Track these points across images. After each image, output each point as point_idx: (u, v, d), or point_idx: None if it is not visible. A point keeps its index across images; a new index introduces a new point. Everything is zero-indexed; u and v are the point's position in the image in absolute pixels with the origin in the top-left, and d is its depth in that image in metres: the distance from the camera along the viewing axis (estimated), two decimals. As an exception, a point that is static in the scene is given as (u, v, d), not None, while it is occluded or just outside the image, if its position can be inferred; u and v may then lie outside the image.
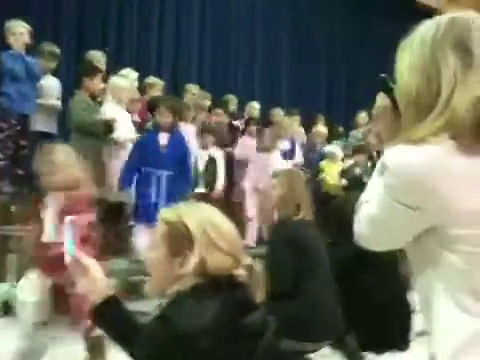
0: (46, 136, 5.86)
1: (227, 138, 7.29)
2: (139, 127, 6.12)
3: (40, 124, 5.83)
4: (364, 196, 1.26)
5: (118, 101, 5.81)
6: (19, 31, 5.49)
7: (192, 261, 1.52)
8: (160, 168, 5.16)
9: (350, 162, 7.69)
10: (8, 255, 4.79)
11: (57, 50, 6.05)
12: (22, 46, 5.53)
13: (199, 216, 1.59)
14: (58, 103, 5.98)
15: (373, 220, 1.19)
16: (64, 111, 5.89)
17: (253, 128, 7.25)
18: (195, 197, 5.73)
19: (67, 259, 1.72)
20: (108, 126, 5.47)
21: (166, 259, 1.56)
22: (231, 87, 8.87)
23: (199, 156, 6.48)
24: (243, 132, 7.45)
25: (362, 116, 8.77)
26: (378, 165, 1.24)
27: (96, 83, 5.68)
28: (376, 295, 3.03)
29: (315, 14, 10.53)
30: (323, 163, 7.90)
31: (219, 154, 6.83)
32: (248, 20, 9.75)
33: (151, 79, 7.00)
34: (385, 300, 3.04)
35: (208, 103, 7.50)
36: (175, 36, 8.84)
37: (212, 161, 6.62)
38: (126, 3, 8.26)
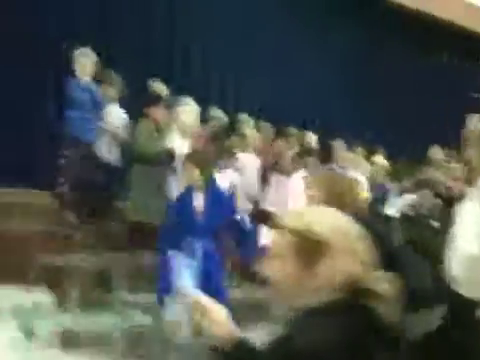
0: (109, 166, 5.76)
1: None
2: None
3: (105, 152, 5.73)
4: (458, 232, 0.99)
5: (183, 132, 5.69)
6: (86, 60, 5.43)
7: (329, 270, 1.33)
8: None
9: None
10: (68, 284, 4.63)
11: (119, 79, 5.96)
12: (88, 74, 5.46)
13: (328, 220, 1.41)
14: (121, 131, 5.87)
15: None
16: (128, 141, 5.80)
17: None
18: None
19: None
20: (170, 155, 5.34)
21: (298, 270, 1.35)
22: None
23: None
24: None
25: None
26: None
27: (160, 112, 5.56)
28: None
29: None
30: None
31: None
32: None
33: (213, 112, 6.88)
34: None
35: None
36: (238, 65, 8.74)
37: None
38: (191, 34, 8.21)
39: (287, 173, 6.20)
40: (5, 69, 6.04)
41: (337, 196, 2.80)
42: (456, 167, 8.04)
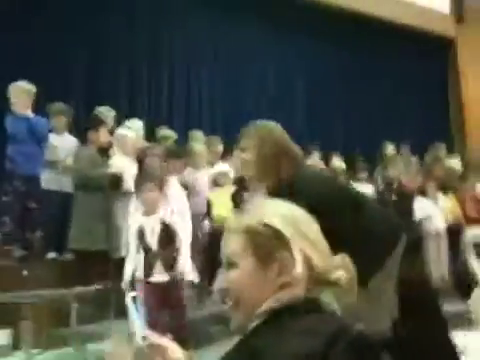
0: (59, 195, 5.58)
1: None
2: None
3: (52, 183, 5.54)
4: None
5: (125, 152, 5.54)
6: (20, 92, 5.23)
7: (298, 260, 1.18)
8: None
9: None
10: (21, 322, 4.40)
11: (64, 107, 5.81)
12: (24, 107, 5.26)
13: (273, 210, 1.26)
14: (70, 161, 5.69)
15: None
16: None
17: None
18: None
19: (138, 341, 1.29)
20: (115, 180, 5.17)
21: (257, 271, 1.21)
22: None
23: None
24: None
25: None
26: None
27: (101, 136, 5.41)
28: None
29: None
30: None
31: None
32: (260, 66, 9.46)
33: (164, 132, 6.73)
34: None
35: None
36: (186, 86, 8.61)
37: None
38: (137, 56, 8.07)
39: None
40: None
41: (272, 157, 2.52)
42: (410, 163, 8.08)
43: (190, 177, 5.94)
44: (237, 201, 5.70)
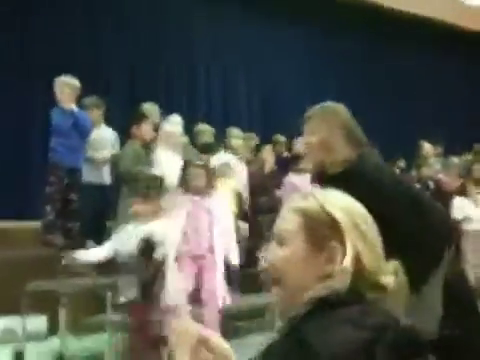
0: (99, 188, 5.69)
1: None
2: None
3: (92, 176, 5.65)
4: None
5: (168, 147, 5.59)
6: (65, 86, 5.35)
7: (349, 253, 1.15)
8: None
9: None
10: (59, 309, 4.52)
11: (96, 100, 5.90)
12: (69, 101, 5.39)
13: (337, 200, 1.23)
14: (108, 154, 5.80)
15: None
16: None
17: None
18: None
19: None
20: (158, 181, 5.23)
21: (306, 255, 1.18)
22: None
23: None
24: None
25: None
26: None
27: (144, 130, 5.48)
28: None
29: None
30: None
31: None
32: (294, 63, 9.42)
33: (201, 126, 6.78)
34: None
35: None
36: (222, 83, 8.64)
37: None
38: (174, 55, 8.15)
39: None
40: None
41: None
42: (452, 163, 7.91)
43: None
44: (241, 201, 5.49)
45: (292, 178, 6.44)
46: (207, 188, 4.37)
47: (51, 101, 5.42)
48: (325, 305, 1.12)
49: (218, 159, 6.02)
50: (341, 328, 1.06)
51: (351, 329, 1.05)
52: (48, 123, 5.47)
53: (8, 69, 6.55)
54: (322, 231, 1.18)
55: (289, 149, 7.58)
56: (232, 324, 5.07)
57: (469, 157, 8.42)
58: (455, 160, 8.08)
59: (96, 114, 5.83)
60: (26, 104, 6.59)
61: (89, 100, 5.84)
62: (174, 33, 8.18)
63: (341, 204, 1.22)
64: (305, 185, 5.85)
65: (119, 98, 7.21)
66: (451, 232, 2.52)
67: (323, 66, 9.58)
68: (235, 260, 4.44)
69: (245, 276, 5.18)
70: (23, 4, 6.79)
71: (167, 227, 3.90)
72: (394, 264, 1.21)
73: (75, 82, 5.47)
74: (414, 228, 2.31)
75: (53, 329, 4.57)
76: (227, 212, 4.62)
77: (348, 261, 1.15)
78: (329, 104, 2.53)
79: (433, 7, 10.29)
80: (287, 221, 1.23)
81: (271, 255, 1.23)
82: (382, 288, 1.16)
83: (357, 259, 1.15)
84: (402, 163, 8.73)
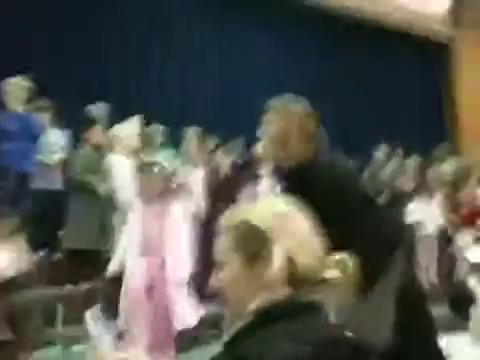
0: (50, 194, 5.48)
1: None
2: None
3: (43, 181, 5.43)
4: None
5: (120, 150, 5.45)
6: (13, 89, 5.13)
7: (277, 257, 1.17)
8: None
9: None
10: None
11: (47, 102, 5.67)
12: (17, 104, 5.16)
13: (264, 209, 1.27)
14: (59, 157, 5.59)
15: None
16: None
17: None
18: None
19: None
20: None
21: (243, 268, 1.21)
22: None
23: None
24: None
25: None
26: None
27: (95, 134, 5.30)
28: None
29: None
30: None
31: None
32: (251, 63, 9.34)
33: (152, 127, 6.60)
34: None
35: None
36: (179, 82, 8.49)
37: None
38: (127, 53, 7.96)
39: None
40: None
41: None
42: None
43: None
44: None
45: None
46: (160, 193, 4.09)
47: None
48: (265, 317, 1.12)
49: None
50: (280, 343, 1.05)
51: (291, 344, 1.04)
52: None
53: None
54: (253, 243, 1.20)
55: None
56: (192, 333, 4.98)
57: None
58: (410, 162, 8.19)
59: (46, 117, 5.61)
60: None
61: (41, 102, 5.63)
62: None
63: (269, 210, 1.25)
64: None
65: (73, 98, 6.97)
66: (400, 235, 2.52)
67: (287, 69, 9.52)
68: (184, 271, 3.98)
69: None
70: None
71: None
72: (340, 257, 1.22)
73: (27, 84, 5.25)
74: (366, 228, 2.31)
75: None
76: (181, 219, 4.30)
77: (277, 264, 1.16)
78: (289, 97, 2.55)
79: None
80: (222, 241, 1.26)
81: (216, 278, 1.27)
82: (324, 283, 1.17)
83: (289, 259, 1.17)
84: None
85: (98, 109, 5.89)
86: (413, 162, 8.14)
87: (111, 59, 7.77)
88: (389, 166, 7.91)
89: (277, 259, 1.17)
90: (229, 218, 1.28)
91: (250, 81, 8.98)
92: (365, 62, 10.35)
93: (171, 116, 7.69)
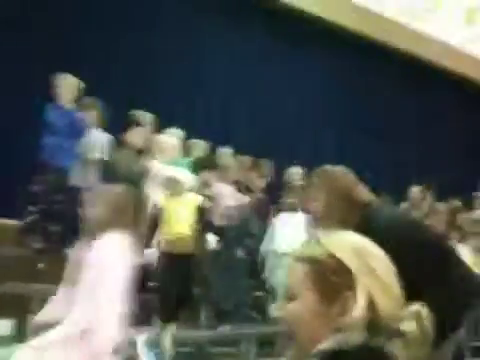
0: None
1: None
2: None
3: (80, 179, 5.42)
4: None
5: (162, 159, 5.43)
6: (66, 85, 5.15)
7: (360, 301, 1.06)
8: None
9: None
10: (28, 315, 4.27)
11: (94, 101, 5.64)
12: (69, 100, 5.18)
13: (349, 243, 1.15)
14: (100, 156, 5.58)
15: None
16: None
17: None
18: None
19: None
20: None
21: (318, 307, 1.11)
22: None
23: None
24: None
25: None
26: None
27: (135, 137, 5.32)
28: None
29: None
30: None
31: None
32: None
33: (194, 140, 6.61)
34: None
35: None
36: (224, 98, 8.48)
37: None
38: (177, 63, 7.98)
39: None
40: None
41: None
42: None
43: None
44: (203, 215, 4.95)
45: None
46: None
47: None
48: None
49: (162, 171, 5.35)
50: None
51: None
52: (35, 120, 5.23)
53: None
54: (332, 279, 1.10)
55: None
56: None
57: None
58: (441, 206, 8.02)
59: (92, 116, 5.59)
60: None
61: (87, 100, 5.61)
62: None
63: (351, 246, 1.13)
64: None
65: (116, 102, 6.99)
66: (475, 296, 2.41)
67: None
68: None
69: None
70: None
71: None
72: (416, 308, 1.12)
73: (79, 82, 5.28)
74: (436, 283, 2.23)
75: (20, 335, 4.31)
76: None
77: (359, 310, 1.05)
78: (329, 169, 2.58)
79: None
80: (293, 272, 1.16)
81: (283, 310, 1.16)
82: (401, 335, 1.08)
83: (371, 305, 1.06)
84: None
85: (143, 114, 5.92)
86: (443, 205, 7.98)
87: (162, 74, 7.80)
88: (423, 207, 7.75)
89: (359, 302, 1.06)
90: (304, 248, 1.18)
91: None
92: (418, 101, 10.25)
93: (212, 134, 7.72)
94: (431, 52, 10.37)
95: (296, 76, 9.19)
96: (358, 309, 1.06)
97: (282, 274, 5.01)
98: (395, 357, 1.06)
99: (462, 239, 7.34)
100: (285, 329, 1.17)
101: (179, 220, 4.74)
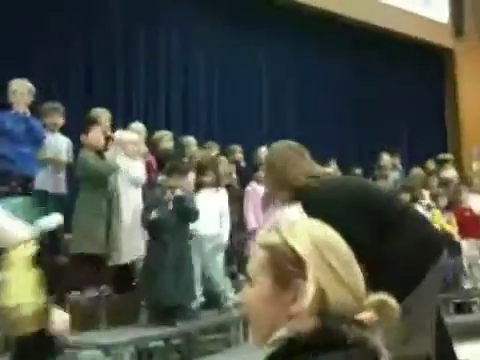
0: (53, 196, 5.37)
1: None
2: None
3: (46, 184, 5.31)
4: None
5: (123, 154, 5.36)
6: (21, 91, 5.01)
7: (309, 291, 1.07)
8: None
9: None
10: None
11: (58, 106, 5.53)
12: (24, 106, 5.05)
13: (310, 234, 1.14)
14: (65, 159, 5.48)
15: None
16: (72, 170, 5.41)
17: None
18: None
19: None
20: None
21: (272, 293, 1.12)
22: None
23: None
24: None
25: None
26: None
27: (94, 136, 5.19)
28: None
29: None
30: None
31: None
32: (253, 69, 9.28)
33: (159, 132, 6.50)
34: None
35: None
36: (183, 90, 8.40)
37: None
38: (133, 62, 7.88)
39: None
40: None
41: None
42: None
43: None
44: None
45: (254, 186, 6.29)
46: None
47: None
48: (291, 349, 1.05)
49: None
50: None
51: None
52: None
53: None
54: (286, 268, 1.11)
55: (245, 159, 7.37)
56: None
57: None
58: (416, 170, 8.14)
59: (55, 120, 5.47)
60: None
61: (50, 105, 5.50)
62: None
63: (310, 236, 1.13)
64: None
65: (74, 102, 6.87)
66: (440, 247, 2.44)
67: (285, 75, 9.46)
68: None
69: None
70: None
71: None
72: (378, 298, 1.10)
73: (32, 86, 5.15)
74: (405, 235, 2.28)
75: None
76: None
77: (307, 300, 1.06)
78: (276, 143, 2.69)
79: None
80: (254, 258, 1.18)
81: (243, 294, 1.20)
82: (362, 325, 1.06)
83: (321, 296, 1.06)
84: (359, 171, 8.67)
85: (99, 111, 5.80)
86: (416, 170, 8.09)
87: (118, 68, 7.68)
88: (391, 175, 7.84)
89: (308, 292, 1.07)
90: (267, 235, 1.18)
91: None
92: (368, 65, 10.30)
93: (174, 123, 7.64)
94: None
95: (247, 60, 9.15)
96: (307, 297, 1.06)
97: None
98: (353, 340, 1.05)
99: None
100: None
101: None
